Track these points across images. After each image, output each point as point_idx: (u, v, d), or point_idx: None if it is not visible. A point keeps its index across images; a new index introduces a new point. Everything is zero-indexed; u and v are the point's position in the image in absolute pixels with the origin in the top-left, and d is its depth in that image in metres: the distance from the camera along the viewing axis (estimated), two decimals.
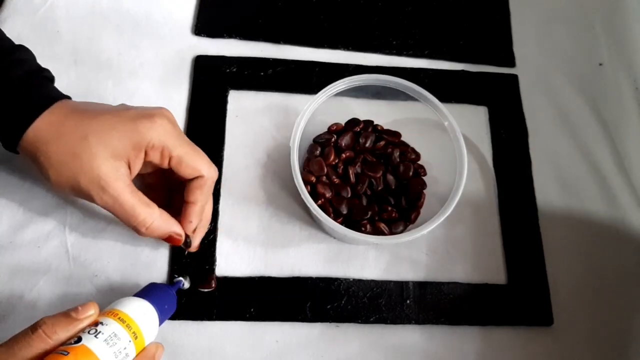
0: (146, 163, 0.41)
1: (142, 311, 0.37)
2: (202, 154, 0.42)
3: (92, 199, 0.39)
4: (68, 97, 0.42)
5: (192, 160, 0.41)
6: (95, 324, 0.34)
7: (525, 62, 0.58)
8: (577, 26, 0.61)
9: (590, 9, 0.62)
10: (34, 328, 0.32)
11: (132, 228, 0.40)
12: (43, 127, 0.38)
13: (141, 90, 0.52)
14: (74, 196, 0.40)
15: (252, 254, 0.47)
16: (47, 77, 0.42)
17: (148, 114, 0.40)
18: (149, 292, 0.40)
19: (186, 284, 0.44)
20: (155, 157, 0.40)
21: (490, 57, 0.58)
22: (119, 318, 0.35)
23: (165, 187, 0.45)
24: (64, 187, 0.39)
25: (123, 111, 0.40)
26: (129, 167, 0.40)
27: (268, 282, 0.46)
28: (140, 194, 0.40)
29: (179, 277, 0.44)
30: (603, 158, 0.54)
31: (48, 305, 0.44)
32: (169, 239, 0.42)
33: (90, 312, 0.34)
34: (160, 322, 0.39)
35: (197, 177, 0.42)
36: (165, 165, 0.41)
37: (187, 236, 0.43)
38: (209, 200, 0.44)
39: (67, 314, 0.34)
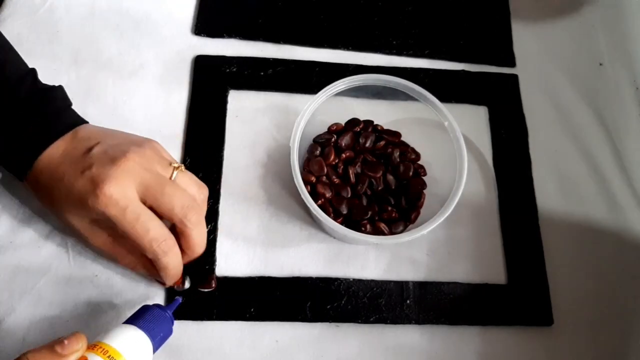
0: None
1: (133, 342, 0.35)
2: (144, 232, 0.38)
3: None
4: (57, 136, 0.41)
5: (135, 239, 0.39)
6: None
7: (525, 62, 0.58)
8: (577, 26, 0.61)
9: (590, 9, 0.62)
10: None
11: None
12: (30, 181, 0.41)
13: (141, 90, 0.52)
14: None
15: (252, 254, 0.47)
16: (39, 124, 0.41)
17: (99, 177, 0.37)
18: (141, 317, 0.38)
19: (187, 284, 0.44)
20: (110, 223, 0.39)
21: (490, 57, 0.58)
22: (108, 356, 0.34)
23: None
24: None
25: (78, 177, 0.38)
26: None
27: (268, 282, 0.46)
28: (121, 242, 0.41)
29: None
30: (603, 158, 0.54)
31: (48, 305, 0.44)
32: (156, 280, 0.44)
33: (77, 347, 0.33)
34: (155, 349, 0.37)
35: None
36: None
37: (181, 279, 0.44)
38: (196, 228, 0.41)
39: (52, 348, 0.32)
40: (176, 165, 0.41)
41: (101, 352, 0.34)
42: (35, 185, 0.41)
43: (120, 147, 0.40)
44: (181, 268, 0.42)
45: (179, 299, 0.42)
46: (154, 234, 0.39)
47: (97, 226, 0.41)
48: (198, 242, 0.42)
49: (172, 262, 0.41)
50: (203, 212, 0.42)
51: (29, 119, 0.41)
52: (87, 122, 0.44)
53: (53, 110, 0.42)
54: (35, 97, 0.42)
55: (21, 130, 0.40)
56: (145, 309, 0.39)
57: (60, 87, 0.44)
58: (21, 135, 0.40)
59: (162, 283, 0.43)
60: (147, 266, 0.42)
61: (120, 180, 0.38)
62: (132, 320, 0.38)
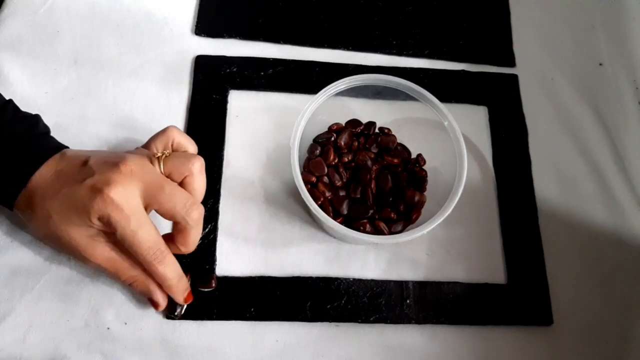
0: None
1: None
2: (145, 232, 0.39)
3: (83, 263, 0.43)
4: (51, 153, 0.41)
5: (134, 244, 0.39)
6: None
7: (525, 62, 0.58)
8: (577, 26, 0.61)
9: (590, 9, 0.62)
10: None
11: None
12: (20, 206, 0.40)
13: (141, 90, 0.52)
14: None
15: (252, 254, 0.47)
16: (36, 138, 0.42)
17: (103, 182, 0.38)
18: None
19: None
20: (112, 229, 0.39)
21: (490, 57, 0.58)
22: None
23: None
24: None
25: (78, 186, 0.38)
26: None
27: (268, 282, 0.46)
28: (122, 257, 0.41)
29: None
30: (603, 158, 0.54)
31: (48, 305, 0.44)
32: (149, 300, 0.43)
33: None
34: None
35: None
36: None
37: (176, 306, 0.43)
38: (197, 226, 0.42)
39: None
40: (159, 155, 0.41)
41: None
42: (28, 209, 0.40)
43: (116, 154, 0.41)
44: (182, 277, 0.42)
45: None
46: (151, 243, 0.39)
47: (96, 241, 0.40)
48: (195, 240, 0.42)
49: (170, 271, 0.41)
50: (202, 208, 0.42)
51: (15, 144, 0.40)
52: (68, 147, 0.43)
53: (38, 135, 0.42)
54: (18, 124, 0.42)
55: (9, 155, 0.40)
56: None
57: (38, 115, 0.43)
58: (9, 160, 0.40)
59: (153, 304, 0.43)
60: (148, 282, 0.42)
61: (124, 183, 0.38)
62: None
